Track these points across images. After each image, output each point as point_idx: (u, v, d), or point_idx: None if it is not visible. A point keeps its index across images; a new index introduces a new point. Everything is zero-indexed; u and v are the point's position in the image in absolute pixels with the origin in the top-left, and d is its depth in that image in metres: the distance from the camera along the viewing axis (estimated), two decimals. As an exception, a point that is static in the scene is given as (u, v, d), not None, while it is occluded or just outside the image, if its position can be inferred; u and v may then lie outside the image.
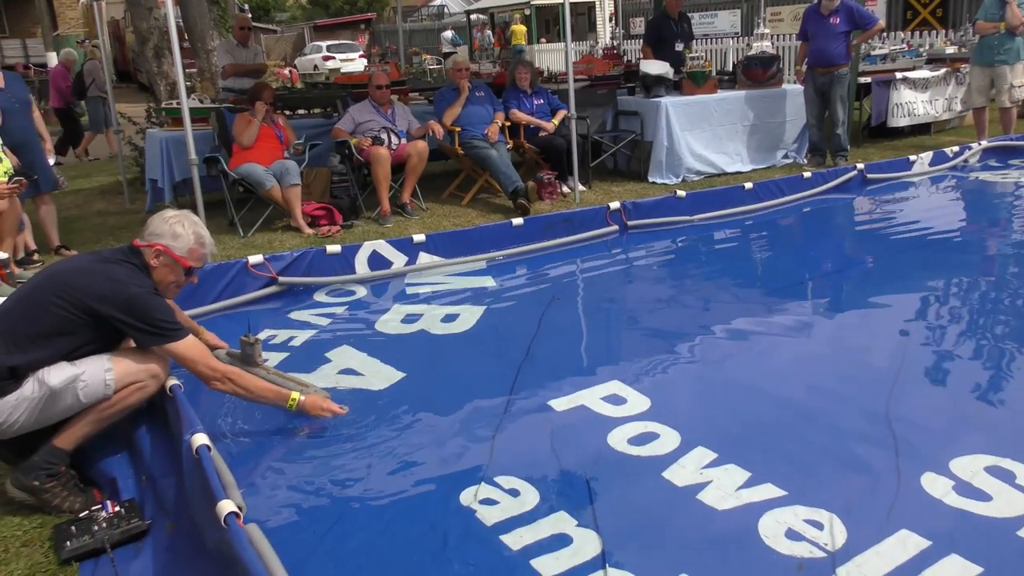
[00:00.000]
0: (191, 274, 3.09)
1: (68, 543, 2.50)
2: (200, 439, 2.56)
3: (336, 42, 29.91)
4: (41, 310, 2.76)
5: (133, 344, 2.99)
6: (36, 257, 5.97)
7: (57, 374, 2.75)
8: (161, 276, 3.00)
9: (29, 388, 2.72)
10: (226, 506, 2.18)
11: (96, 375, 2.79)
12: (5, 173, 5.32)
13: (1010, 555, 2.28)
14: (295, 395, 3.14)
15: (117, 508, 2.63)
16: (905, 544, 2.32)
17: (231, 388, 3.01)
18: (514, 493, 2.69)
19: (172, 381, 3.05)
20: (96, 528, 2.54)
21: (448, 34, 27.36)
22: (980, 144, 8.29)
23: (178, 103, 5.90)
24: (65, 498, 2.76)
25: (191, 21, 9.59)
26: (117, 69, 25.40)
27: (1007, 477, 2.64)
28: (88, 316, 2.77)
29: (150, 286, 2.91)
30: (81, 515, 2.63)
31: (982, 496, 2.55)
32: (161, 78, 9.36)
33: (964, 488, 2.59)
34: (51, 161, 6.40)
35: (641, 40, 11.17)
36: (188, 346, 2.93)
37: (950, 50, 10.36)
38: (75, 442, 2.84)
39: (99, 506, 2.65)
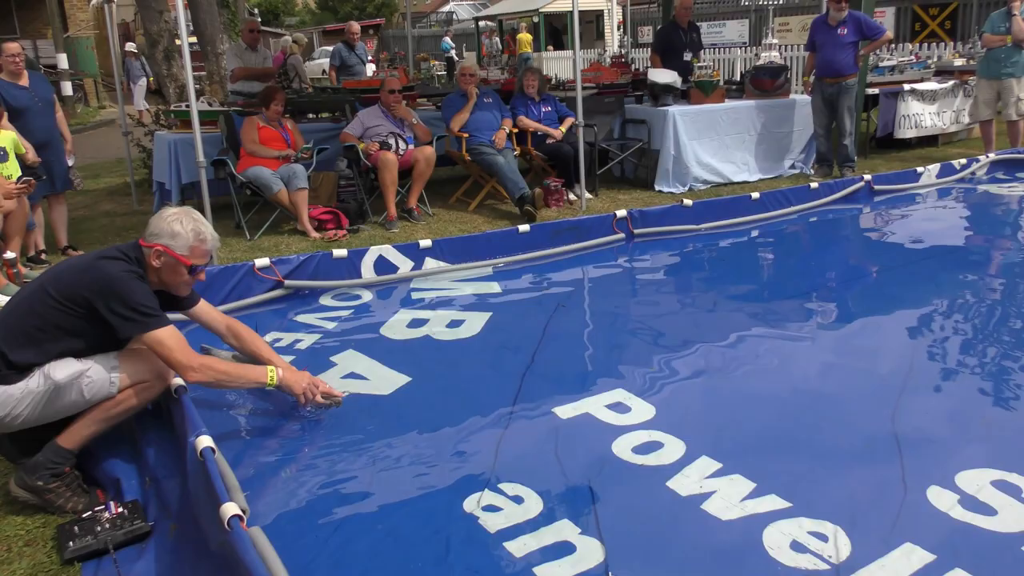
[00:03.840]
0: (195, 272, 3.02)
1: (71, 543, 2.50)
2: (204, 441, 2.56)
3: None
4: (38, 306, 2.77)
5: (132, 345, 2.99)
6: (44, 257, 6.00)
7: (62, 369, 2.76)
8: (167, 277, 2.97)
9: (35, 381, 2.73)
10: (230, 509, 2.18)
11: (101, 373, 2.80)
12: (9, 177, 5.35)
13: (1016, 570, 2.27)
14: (272, 371, 3.11)
15: (120, 509, 2.63)
16: (910, 557, 2.31)
17: (211, 376, 2.95)
18: (518, 500, 2.68)
19: (178, 383, 3.05)
20: (99, 529, 2.54)
21: (444, 42, 27.46)
22: (988, 157, 8.28)
23: (187, 106, 5.92)
24: (69, 498, 2.76)
25: (201, 24, 9.63)
26: (126, 71, 25.48)
27: (1013, 492, 2.63)
28: (78, 307, 2.75)
29: (136, 273, 2.85)
30: (84, 515, 2.63)
31: (988, 510, 2.54)
32: (170, 80, 9.40)
33: (970, 502, 2.58)
34: (70, 162, 6.44)
35: (649, 49, 11.18)
36: (168, 334, 2.84)
37: (958, 62, 10.35)
38: (80, 442, 2.84)
39: (102, 507, 2.65)
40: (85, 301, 2.75)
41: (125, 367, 2.85)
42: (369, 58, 11.79)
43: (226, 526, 2.14)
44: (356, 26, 10.67)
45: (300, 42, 11.96)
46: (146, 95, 17.22)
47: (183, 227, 2.94)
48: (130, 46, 17.67)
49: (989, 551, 2.35)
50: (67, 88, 19.02)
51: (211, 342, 3.77)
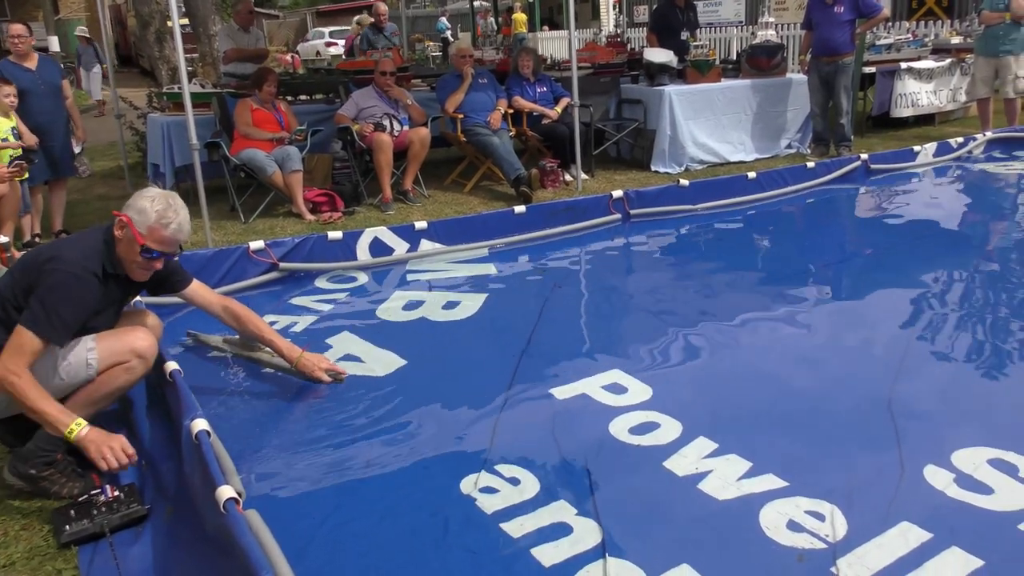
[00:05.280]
0: (150, 256, 2.84)
1: (67, 527, 2.49)
2: (200, 424, 2.56)
3: (338, 28, 29.78)
4: (5, 288, 2.75)
5: (118, 326, 2.98)
6: (38, 241, 5.97)
7: None
8: (123, 251, 2.84)
9: None
10: (225, 492, 2.18)
11: (78, 354, 2.76)
12: (11, 155, 5.34)
13: (1011, 549, 2.27)
14: (75, 427, 2.59)
15: (116, 493, 2.62)
16: (906, 536, 2.31)
17: (13, 392, 2.58)
18: (514, 481, 2.68)
19: (172, 366, 3.04)
20: (95, 512, 2.53)
21: (440, 22, 27.42)
22: (984, 135, 8.26)
23: (179, 88, 5.88)
24: (63, 484, 2.74)
25: (193, 6, 9.54)
26: (119, 53, 25.34)
27: (1009, 470, 2.63)
28: (25, 291, 2.68)
29: (89, 270, 2.71)
30: (80, 500, 2.63)
31: (984, 489, 2.54)
32: (163, 62, 9.35)
33: (966, 481, 2.58)
34: (77, 149, 6.43)
35: (645, 28, 11.10)
36: (28, 341, 2.58)
37: (955, 40, 10.30)
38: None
39: (98, 490, 2.64)
40: (29, 281, 2.68)
41: (102, 347, 2.80)
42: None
43: (222, 509, 2.14)
44: (383, 7, 10.38)
45: (363, 22, 12.01)
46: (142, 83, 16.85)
47: (152, 206, 2.82)
48: (80, 30, 16.61)
49: (986, 529, 2.35)
50: (58, 71, 18.86)
51: (209, 325, 3.76)
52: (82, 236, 2.88)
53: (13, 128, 5.46)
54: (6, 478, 2.79)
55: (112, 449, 2.60)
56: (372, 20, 10.00)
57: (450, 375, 3.63)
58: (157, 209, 2.82)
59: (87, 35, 16.27)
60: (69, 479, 2.76)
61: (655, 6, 10.01)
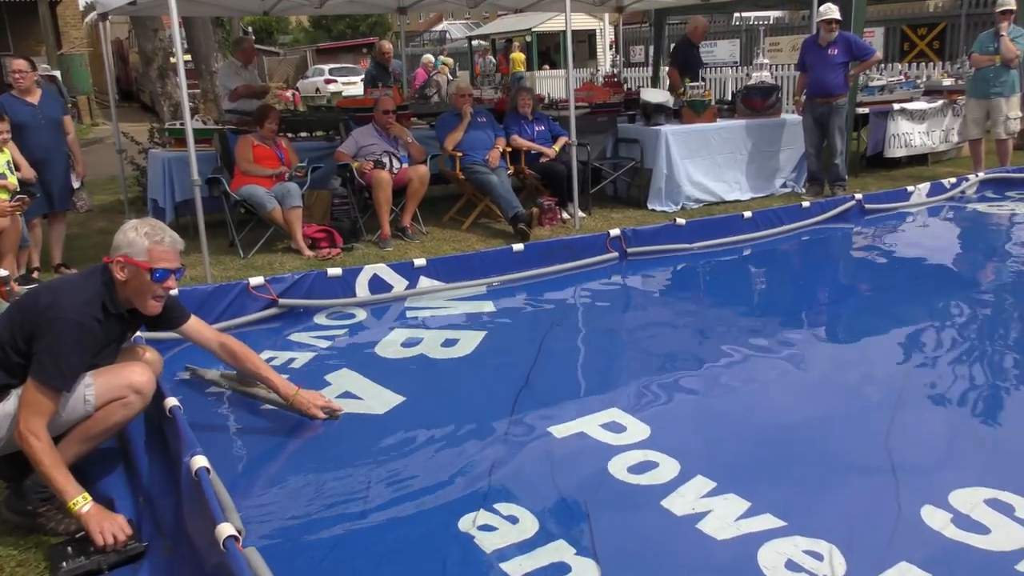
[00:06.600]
0: (161, 279, 2.87)
1: (64, 564, 2.48)
2: (199, 461, 2.55)
3: (338, 65, 30.13)
4: (8, 329, 2.74)
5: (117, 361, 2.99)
6: (36, 275, 5.98)
7: None
8: (133, 289, 2.86)
9: (11, 403, 2.70)
10: (225, 529, 2.17)
11: (76, 390, 2.75)
12: (8, 190, 5.37)
13: (1010, 589, 2.28)
14: (79, 502, 2.56)
15: (114, 530, 2.61)
16: (905, 576, 2.32)
17: (28, 451, 2.60)
18: (513, 520, 2.68)
19: (172, 402, 3.04)
20: (92, 549, 2.52)
21: (438, 61, 27.64)
22: (977, 176, 8.35)
23: (181, 123, 5.94)
24: (60, 520, 2.73)
25: (196, 42, 9.67)
26: (120, 88, 25.55)
27: (1006, 510, 2.64)
28: (24, 332, 2.68)
29: (90, 315, 2.73)
30: (77, 536, 2.61)
31: (981, 529, 2.55)
32: (164, 98, 9.43)
33: (963, 521, 2.59)
34: (75, 184, 6.46)
35: (641, 67, 11.24)
36: (42, 395, 2.61)
37: (947, 82, 10.46)
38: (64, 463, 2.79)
39: (96, 527, 2.63)
40: (31, 328, 2.68)
41: (100, 384, 2.80)
42: (362, 76, 11.58)
43: (221, 547, 2.13)
44: (388, 45, 10.55)
45: (448, 64, 12.15)
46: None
47: (137, 233, 2.85)
48: (44, 68, 16.20)
49: (983, 570, 2.36)
50: (60, 106, 18.92)
51: (208, 360, 3.77)
52: (80, 279, 2.89)
53: (8, 162, 5.49)
54: (3, 514, 2.79)
55: (111, 526, 2.56)
56: (451, 64, 10.19)
57: (449, 412, 3.62)
58: (144, 232, 2.86)
59: (50, 72, 16.07)
60: (66, 515, 2.74)
61: (676, 44, 10.20)
